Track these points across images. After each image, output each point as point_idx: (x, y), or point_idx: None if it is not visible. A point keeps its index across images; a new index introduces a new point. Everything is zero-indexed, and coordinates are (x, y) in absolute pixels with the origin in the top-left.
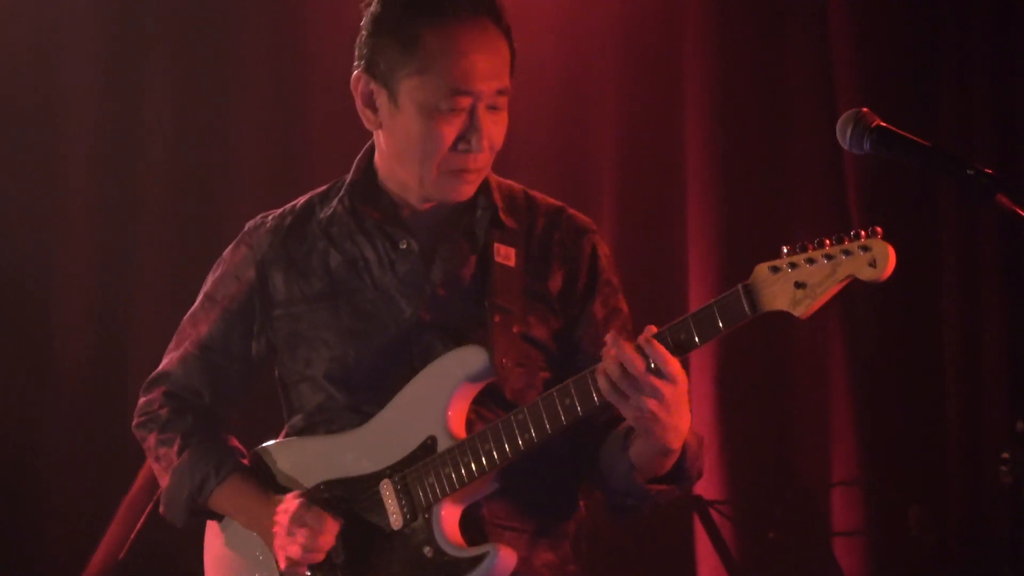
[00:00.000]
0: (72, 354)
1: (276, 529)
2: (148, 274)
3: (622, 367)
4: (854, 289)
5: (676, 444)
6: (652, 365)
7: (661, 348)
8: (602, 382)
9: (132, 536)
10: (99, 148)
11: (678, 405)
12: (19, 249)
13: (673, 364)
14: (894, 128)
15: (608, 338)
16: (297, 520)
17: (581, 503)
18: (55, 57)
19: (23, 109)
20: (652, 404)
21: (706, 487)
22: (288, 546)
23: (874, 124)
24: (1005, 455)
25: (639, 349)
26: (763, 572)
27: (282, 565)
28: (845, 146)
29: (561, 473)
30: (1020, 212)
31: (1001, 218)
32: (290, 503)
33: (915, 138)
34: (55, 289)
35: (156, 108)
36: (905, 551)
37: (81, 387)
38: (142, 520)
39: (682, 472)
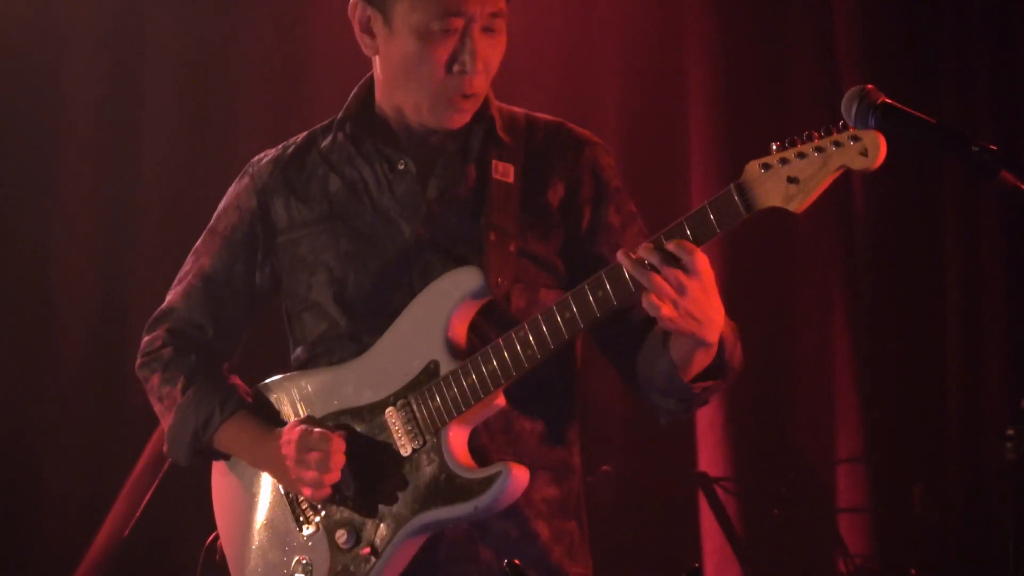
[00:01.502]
0: (73, 333)
1: (287, 462)
2: (149, 248)
3: (641, 265)
4: (859, 267)
5: (713, 337)
6: (677, 260)
7: (682, 241)
8: (643, 289)
9: (136, 514)
10: (99, 124)
11: (708, 297)
12: (17, 231)
13: (695, 254)
14: (899, 104)
15: (621, 251)
16: (304, 446)
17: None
18: (55, 30)
19: (21, 85)
20: (684, 302)
21: (711, 464)
22: (303, 473)
23: (879, 101)
24: (1009, 432)
25: (655, 251)
26: (767, 549)
27: (306, 492)
28: (850, 123)
29: (557, 404)
30: (1023, 189)
31: (1003, 195)
32: (291, 432)
33: (920, 115)
34: (55, 267)
35: (156, 77)
36: (909, 528)
37: (83, 366)
38: (146, 498)
39: (723, 364)
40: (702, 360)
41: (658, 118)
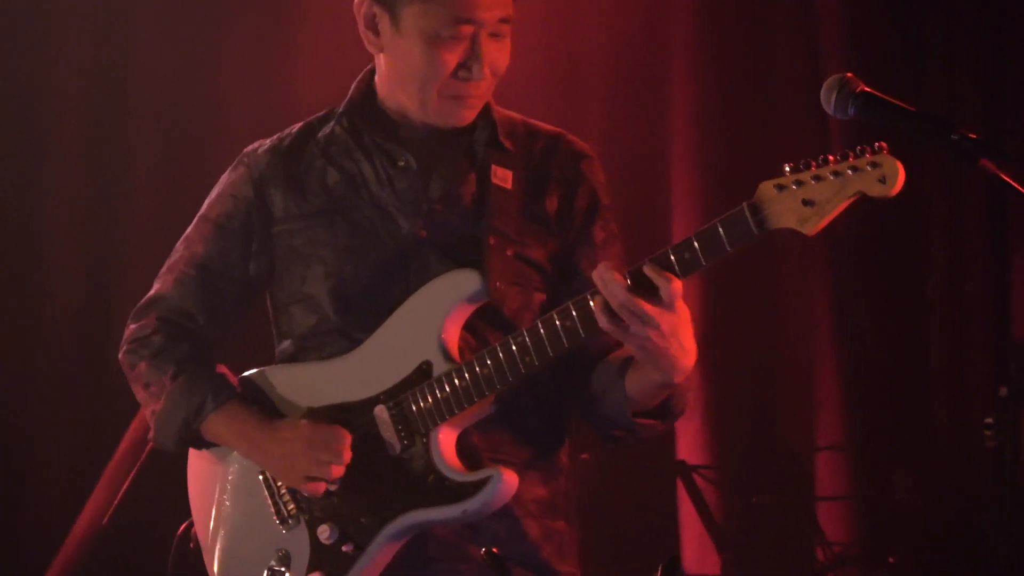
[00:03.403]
0: (57, 323)
1: (291, 451)
2: (134, 238)
3: (615, 296)
4: (840, 255)
5: (678, 378)
6: (648, 292)
7: (656, 273)
8: (599, 313)
9: (116, 501)
10: (86, 98)
11: (680, 334)
12: (2, 221)
13: (668, 289)
14: (878, 93)
15: (601, 265)
16: (313, 439)
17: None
18: (42, 23)
19: (7, 76)
20: (652, 333)
21: (690, 452)
22: (308, 465)
23: (859, 89)
24: (989, 420)
25: (632, 276)
26: (747, 537)
27: (305, 488)
28: (830, 111)
29: (550, 403)
30: (1004, 177)
31: (986, 183)
32: (299, 424)
33: (899, 103)
34: (40, 257)
35: (144, 52)
36: (889, 515)
37: (66, 354)
38: (126, 485)
39: (669, 408)
40: (655, 398)
41: (642, 111)
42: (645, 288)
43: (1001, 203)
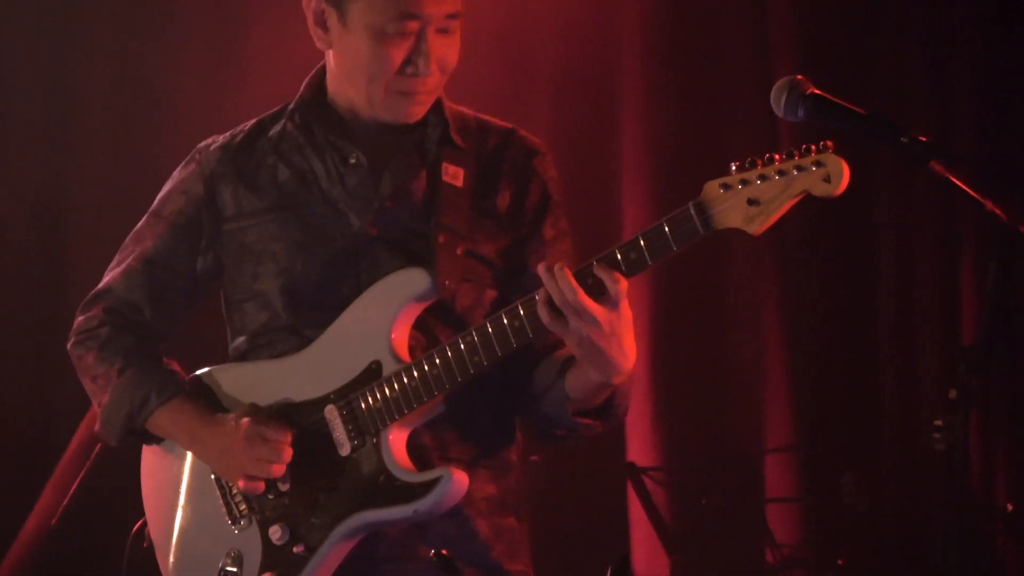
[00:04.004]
0: (7, 319)
1: (231, 447)
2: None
3: (560, 292)
4: (789, 258)
5: (617, 379)
6: (591, 291)
7: (604, 272)
8: (541, 307)
9: (64, 503)
10: (34, 93)
11: (620, 335)
12: None
13: (614, 287)
14: (828, 95)
15: (543, 264)
16: (254, 435)
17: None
18: None
19: None
20: (593, 332)
21: (640, 454)
22: (247, 463)
23: (809, 91)
24: (938, 423)
25: (579, 274)
26: (696, 538)
27: (240, 484)
28: (780, 113)
29: (499, 402)
30: (953, 179)
31: (936, 186)
32: (240, 420)
33: (849, 105)
34: None
35: (94, 45)
36: (839, 517)
37: (14, 353)
38: (74, 487)
39: (611, 409)
40: (594, 399)
41: (591, 111)
42: (590, 286)
43: (950, 205)
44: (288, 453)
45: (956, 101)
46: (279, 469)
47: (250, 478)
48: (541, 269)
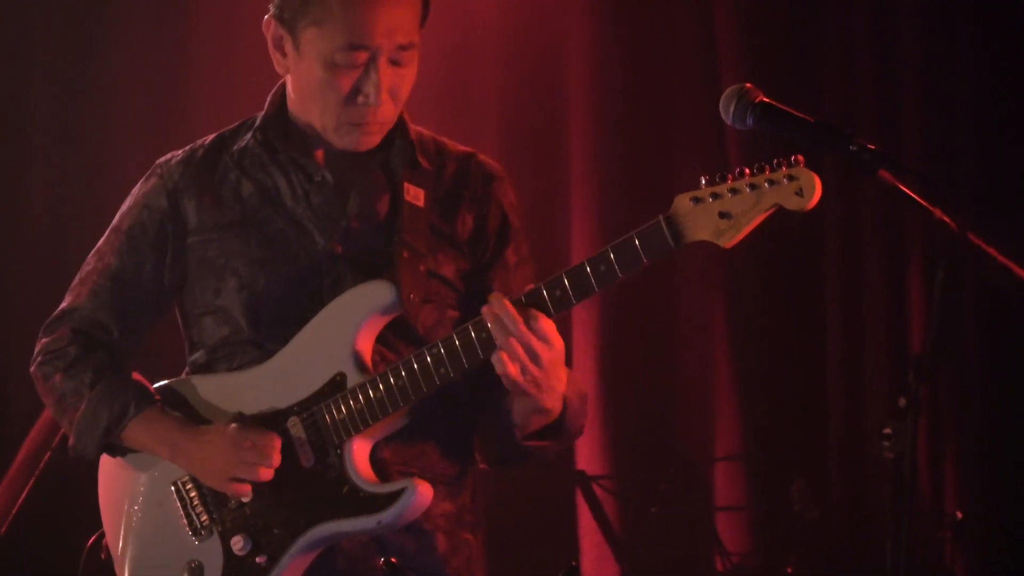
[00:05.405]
0: None
1: (214, 454)
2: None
3: (502, 323)
4: (737, 266)
5: (552, 404)
6: (532, 325)
7: (539, 314)
8: (494, 329)
9: (14, 511)
10: None
11: (555, 367)
12: None
13: (548, 325)
14: (777, 103)
15: (492, 296)
16: (242, 439)
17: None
18: None
19: None
20: (532, 368)
21: (589, 462)
22: (236, 467)
23: (758, 99)
24: (887, 430)
25: (519, 304)
26: (645, 547)
27: (230, 489)
28: (728, 121)
29: (459, 418)
30: (902, 187)
31: (883, 193)
32: (226, 427)
33: (798, 113)
34: None
35: (42, 59)
36: (787, 525)
37: None
38: (24, 495)
39: (561, 429)
40: (539, 423)
41: (539, 124)
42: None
43: (898, 213)
44: (277, 457)
45: (903, 109)
46: (267, 473)
47: (236, 481)
48: (485, 309)
